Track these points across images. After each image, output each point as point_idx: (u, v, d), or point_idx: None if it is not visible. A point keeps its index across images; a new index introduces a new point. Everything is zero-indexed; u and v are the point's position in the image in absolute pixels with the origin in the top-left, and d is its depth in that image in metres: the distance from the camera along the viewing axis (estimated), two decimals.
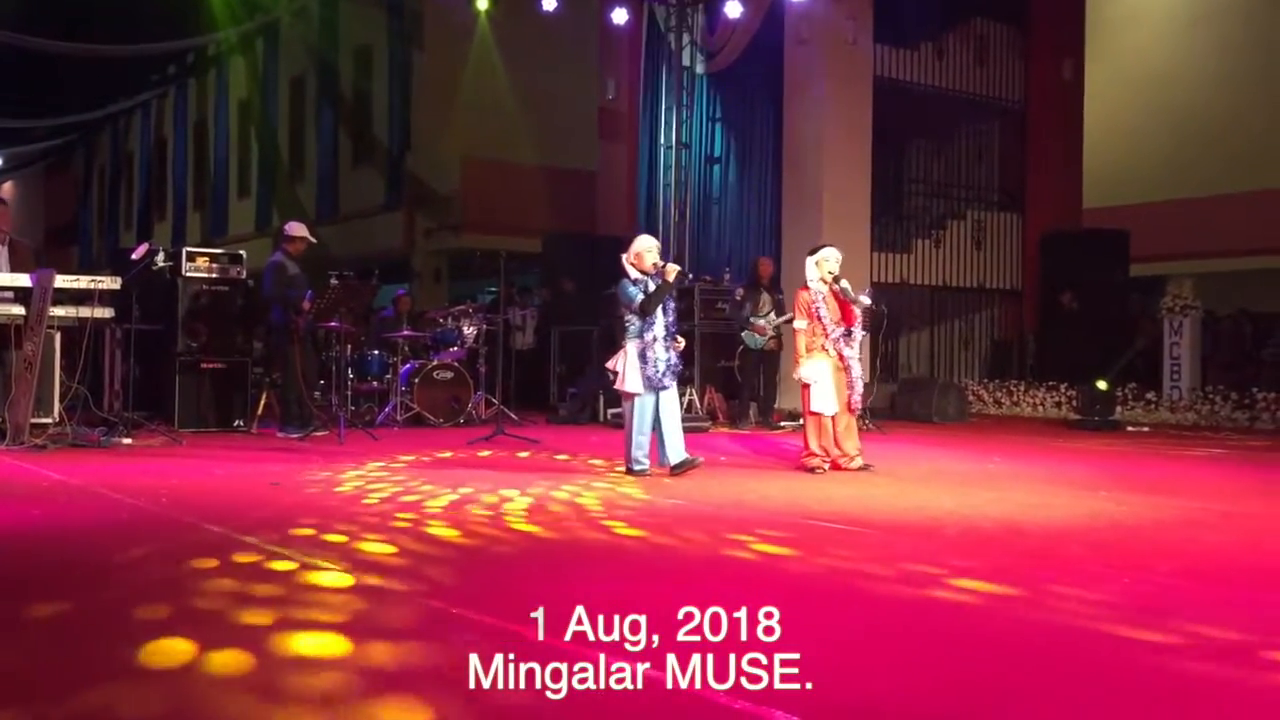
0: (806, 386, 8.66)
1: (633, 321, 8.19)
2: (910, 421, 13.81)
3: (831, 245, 9.08)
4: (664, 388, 8.16)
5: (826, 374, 8.61)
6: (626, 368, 8.17)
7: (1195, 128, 20.50)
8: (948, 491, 7.80)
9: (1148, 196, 19.91)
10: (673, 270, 8.22)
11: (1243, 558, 5.58)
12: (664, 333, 8.18)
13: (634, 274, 8.27)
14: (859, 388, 8.72)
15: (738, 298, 13.11)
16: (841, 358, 8.64)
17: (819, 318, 8.64)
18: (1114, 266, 17.23)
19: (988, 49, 18.57)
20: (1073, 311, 16.48)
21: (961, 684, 3.55)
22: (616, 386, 8.41)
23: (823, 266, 8.74)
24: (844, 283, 8.74)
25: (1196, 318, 15.35)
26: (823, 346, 8.64)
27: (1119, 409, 14.55)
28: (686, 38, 15.72)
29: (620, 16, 16.05)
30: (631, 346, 8.18)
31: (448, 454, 9.62)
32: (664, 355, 8.13)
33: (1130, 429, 13.93)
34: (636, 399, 8.17)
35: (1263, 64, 20.03)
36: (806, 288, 8.76)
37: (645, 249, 8.34)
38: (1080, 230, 18.21)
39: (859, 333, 8.76)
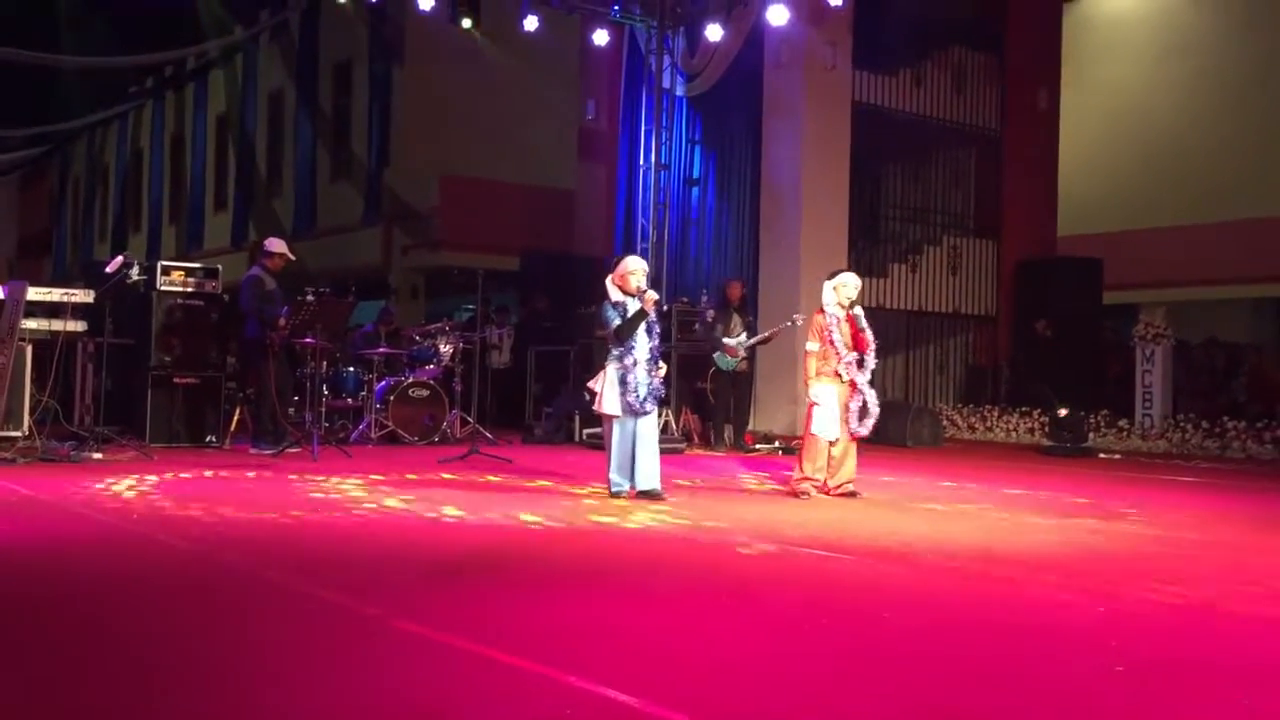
0: (811, 406, 8.62)
1: (614, 343, 8.09)
2: (884, 445, 13.84)
3: (849, 272, 9.01)
4: (644, 413, 8.05)
5: (833, 399, 8.57)
6: (605, 389, 8.06)
7: (1169, 158, 20.74)
8: (923, 517, 7.81)
9: (1122, 225, 20.10)
10: (650, 299, 8.05)
11: (1216, 585, 5.61)
12: (646, 357, 8.06)
13: (616, 295, 8.13)
14: (873, 413, 8.59)
15: (709, 319, 13.13)
16: (853, 384, 8.57)
17: (832, 342, 8.57)
18: (1088, 294, 17.37)
19: (965, 77, 18.74)
20: (1046, 338, 16.59)
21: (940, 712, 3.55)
22: (595, 408, 8.35)
23: (840, 292, 8.66)
24: (858, 309, 8.68)
25: (1168, 346, 15.49)
26: (834, 371, 8.56)
27: (1091, 436, 14.63)
28: (667, 60, 15.79)
29: (601, 38, 16.11)
30: (611, 368, 8.06)
31: (412, 476, 9.57)
32: (645, 380, 8.01)
33: (1102, 456, 14.01)
34: (616, 422, 8.06)
35: (1236, 96, 20.30)
36: (822, 311, 8.69)
37: (631, 270, 8.16)
38: (1055, 257, 18.36)
39: (871, 360, 8.66)
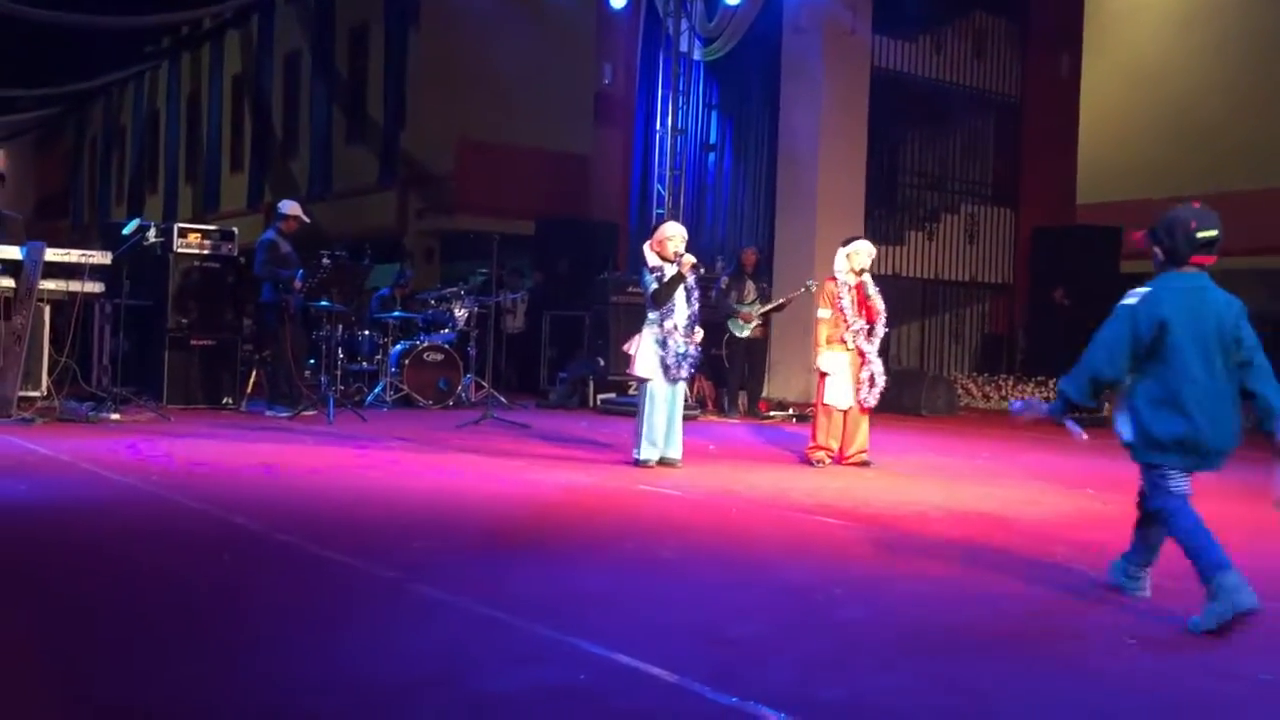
0: (823, 376, 8.60)
1: (652, 308, 8.05)
2: (899, 414, 13.83)
3: (864, 239, 8.91)
4: (680, 378, 8.05)
5: (844, 367, 8.52)
6: (641, 352, 8.02)
7: (1190, 126, 20.50)
8: (937, 486, 7.82)
9: (1141, 194, 19.88)
10: (687, 262, 8.00)
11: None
12: (685, 322, 8.03)
13: (653, 260, 8.09)
14: (880, 384, 8.56)
15: (723, 286, 13.11)
16: (861, 353, 8.52)
17: (842, 309, 8.53)
18: (1106, 263, 17.25)
19: (986, 42, 18.55)
20: (1064, 307, 16.50)
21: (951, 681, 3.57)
22: (629, 370, 8.33)
23: (854, 259, 8.57)
24: (866, 277, 8.60)
25: None
26: (842, 339, 8.53)
27: (1106, 405, 14.56)
28: (684, 24, 15.67)
29: (619, 1, 15.99)
30: (649, 332, 8.01)
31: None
32: (682, 346, 7.99)
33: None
34: (649, 385, 7.99)
35: (1258, 63, 20.02)
36: (834, 278, 8.64)
37: (669, 236, 8.12)
38: (1073, 226, 18.23)
39: (881, 329, 8.61)
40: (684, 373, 8.04)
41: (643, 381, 8.06)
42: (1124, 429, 4.46)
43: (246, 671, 3.41)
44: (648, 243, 8.27)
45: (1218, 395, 4.30)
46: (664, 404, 8.00)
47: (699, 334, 8.18)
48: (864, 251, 8.64)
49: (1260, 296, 20.37)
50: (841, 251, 8.71)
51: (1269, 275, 20.77)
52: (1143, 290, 4.41)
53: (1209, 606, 4.07)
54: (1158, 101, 21.13)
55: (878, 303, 8.60)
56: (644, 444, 8.02)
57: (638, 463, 8.00)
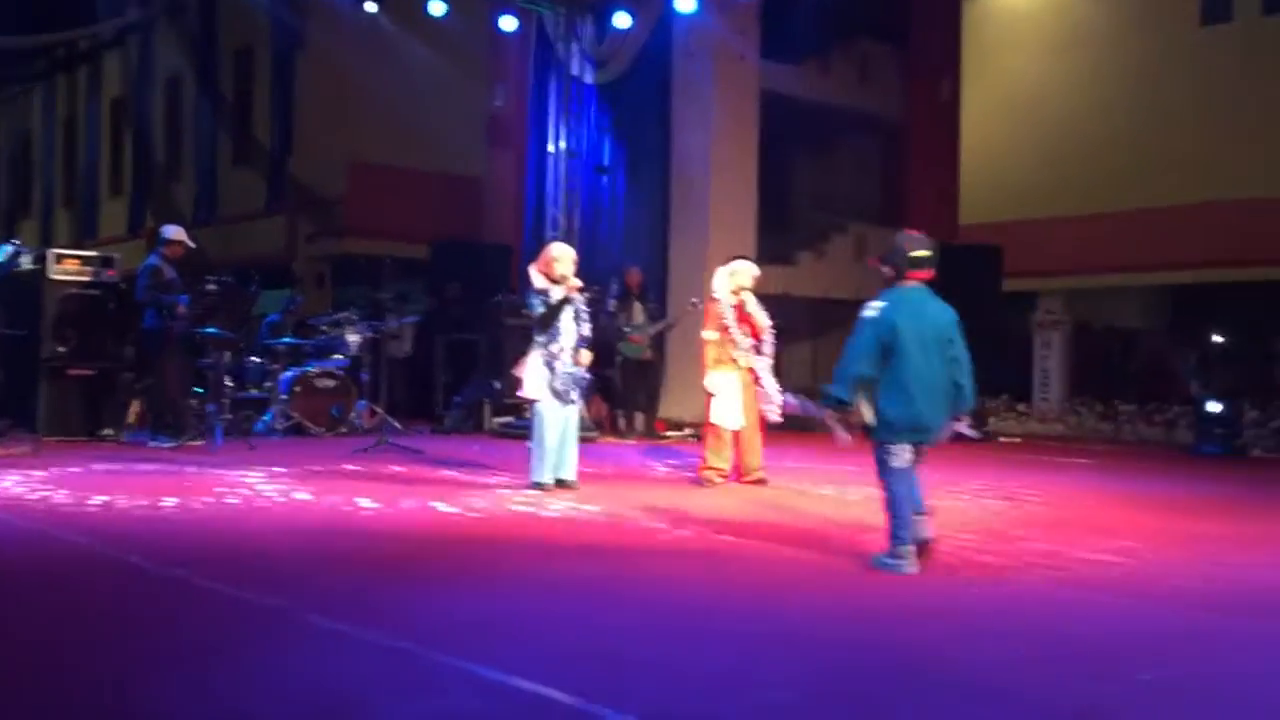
0: (710, 397, 8.64)
1: (538, 330, 8.01)
2: (792, 431, 14.00)
3: (746, 259, 8.98)
4: (569, 401, 8.02)
5: (733, 387, 8.57)
6: (529, 375, 7.99)
7: (1066, 149, 21.25)
8: (832, 501, 7.92)
9: (1020, 214, 20.57)
10: (573, 286, 7.98)
11: (1113, 564, 5.79)
12: (572, 344, 8.00)
13: (540, 283, 8.04)
14: (777, 399, 8.59)
15: (611, 309, 13.14)
16: (752, 372, 8.56)
17: (728, 329, 8.58)
18: (988, 281, 17.74)
19: (870, 67, 18.99)
20: None
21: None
22: (519, 392, 8.28)
23: (735, 278, 8.65)
24: (748, 295, 8.66)
25: (1066, 332, 15.91)
26: (732, 358, 8.58)
27: (991, 420, 14.99)
28: (576, 47, 15.72)
29: (509, 24, 15.98)
30: (536, 354, 7.99)
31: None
32: (570, 368, 7.97)
33: (1002, 439, 14.36)
34: (540, 408, 7.97)
35: (1132, 90, 20.88)
36: (717, 299, 8.70)
37: (555, 257, 8.08)
38: (956, 245, 18.71)
39: (768, 346, 8.67)
40: (573, 395, 8.02)
41: (533, 404, 8.02)
42: (867, 414, 5.36)
43: (119, 708, 3.28)
44: (534, 264, 8.22)
45: (935, 384, 5.33)
46: (556, 426, 7.98)
47: (586, 356, 8.14)
48: (744, 271, 8.71)
49: (1131, 312, 21.26)
50: (722, 271, 8.79)
51: (1142, 292, 21.63)
52: (879, 304, 5.45)
53: (883, 557, 5.35)
54: (1035, 126, 21.88)
55: (760, 319, 8.65)
56: (538, 466, 7.99)
57: (534, 485, 7.95)
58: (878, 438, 5.39)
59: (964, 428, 5.63)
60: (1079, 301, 19.97)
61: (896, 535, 5.33)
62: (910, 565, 5.27)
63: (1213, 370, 16.32)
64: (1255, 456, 12.27)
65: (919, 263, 5.48)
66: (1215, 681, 3.78)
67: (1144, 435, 14.44)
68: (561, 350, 7.94)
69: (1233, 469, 11.20)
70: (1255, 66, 19.74)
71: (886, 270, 5.58)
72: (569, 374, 7.95)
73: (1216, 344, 16.31)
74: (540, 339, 7.98)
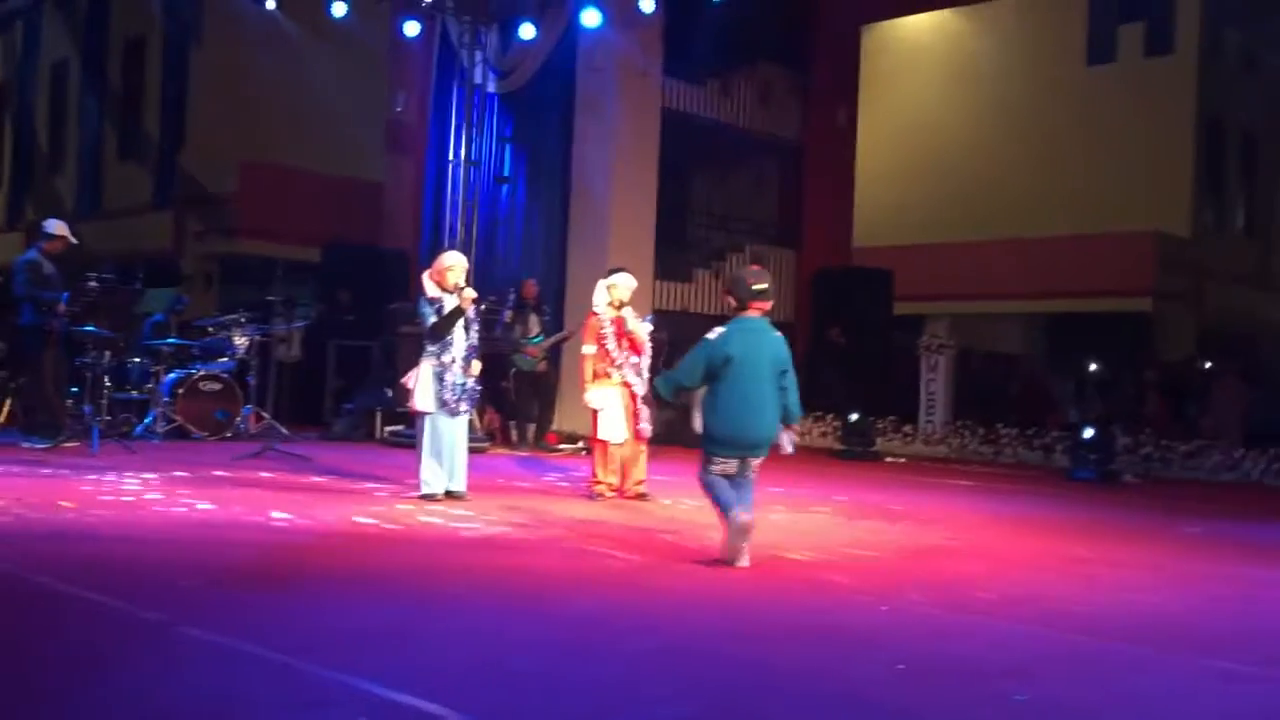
0: (595, 412, 8.63)
1: (429, 340, 7.92)
2: (680, 447, 14.12)
3: (625, 271, 8.93)
4: (460, 412, 7.95)
5: (615, 402, 8.56)
6: (419, 386, 7.87)
7: (955, 178, 21.94)
8: (714, 517, 7.98)
9: (911, 239, 21.12)
10: (468, 297, 7.92)
11: (989, 585, 5.96)
12: (462, 354, 7.92)
13: (432, 291, 7.94)
14: (645, 415, 8.59)
15: (507, 319, 13.09)
16: (628, 387, 8.51)
17: (605, 344, 8.56)
18: (879, 304, 18.14)
19: (770, 90, 19.25)
20: (840, 345, 17.23)
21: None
22: (408, 404, 8.17)
23: (612, 292, 8.62)
24: (627, 310, 8.71)
25: (951, 356, 16.33)
26: (608, 373, 8.55)
27: (879, 440, 15.31)
28: (479, 55, 15.63)
29: (412, 29, 15.81)
30: (427, 365, 7.88)
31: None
32: (460, 379, 7.89)
33: (889, 460, 14.67)
34: (429, 419, 7.89)
35: (1020, 124, 21.64)
36: (595, 313, 8.69)
37: (449, 266, 7.98)
38: (849, 268, 19.10)
39: (646, 361, 8.64)
40: (463, 406, 7.94)
41: (422, 415, 7.92)
42: (697, 423, 6.00)
43: None
44: (427, 272, 8.12)
45: (763, 406, 5.87)
46: (445, 436, 7.90)
47: (476, 367, 8.07)
48: (622, 284, 8.66)
49: (1013, 338, 21.91)
50: (602, 284, 8.73)
51: (1024, 319, 22.34)
52: (721, 330, 5.98)
53: (727, 558, 5.87)
54: (927, 154, 22.54)
55: (640, 334, 8.62)
56: (425, 478, 7.91)
57: (423, 497, 7.87)
58: (704, 449, 5.99)
59: (786, 442, 6.18)
60: (964, 326, 20.54)
61: (724, 513, 5.91)
62: (742, 560, 5.83)
63: (1088, 397, 16.94)
64: (1126, 482, 12.73)
65: (759, 294, 6.01)
66: (1088, 704, 3.92)
67: (1023, 458, 14.90)
68: (453, 361, 7.86)
69: (1105, 494, 11.62)
70: (1135, 106, 20.63)
71: (731, 300, 6.13)
72: (459, 385, 7.87)
73: (1092, 372, 16.92)
74: (431, 349, 7.88)
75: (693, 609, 5.13)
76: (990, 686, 4.05)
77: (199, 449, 10.99)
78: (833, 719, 3.61)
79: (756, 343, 5.92)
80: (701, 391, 6.02)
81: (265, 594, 4.92)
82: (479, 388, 8.30)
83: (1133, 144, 20.64)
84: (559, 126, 16.37)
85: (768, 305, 6.08)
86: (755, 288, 6.01)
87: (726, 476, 5.93)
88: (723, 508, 5.87)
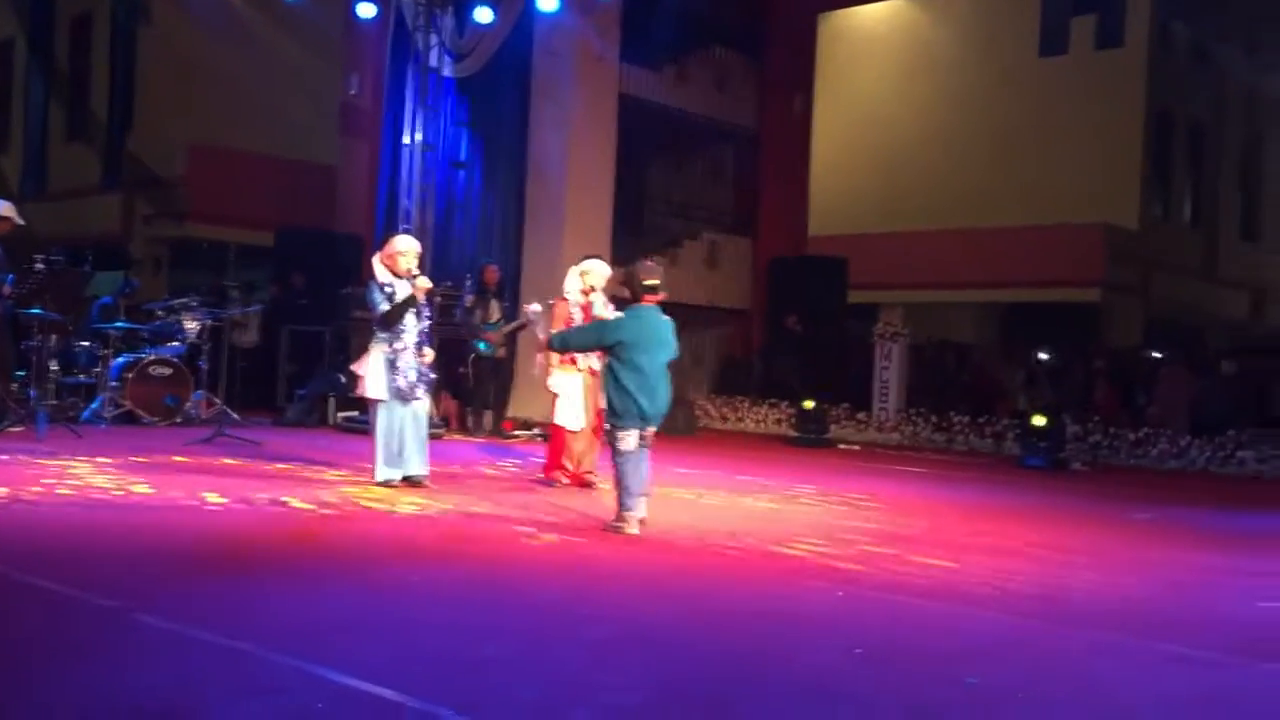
0: (555, 397, 8.60)
1: (380, 327, 7.79)
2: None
3: (599, 258, 8.85)
4: (415, 399, 7.83)
5: (576, 389, 8.52)
6: (370, 374, 7.76)
7: (909, 167, 22.08)
8: (674, 504, 8.02)
9: (865, 228, 21.25)
10: (422, 286, 7.81)
11: (942, 571, 6.03)
12: (415, 341, 7.81)
13: (384, 276, 7.81)
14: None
15: (467, 304, 13.00)
16: (593, 373, 8.40)
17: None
18: (834, 292, 18.25)
19: (727, 77, 19.29)
20: (796, 333, 17.33)
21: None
22: (359, 392, 8.07)
23: (586, 278, 8.54)
24: (596, 296, 8.53)
25: (905, 344, 16.46)
26: (573, 359, 8.48)
27: (832, 428, 15.42)
28: (435, 39, 15.49)
29: (367, 10, 15.64)
30: (377, 351, 7.77)
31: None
32: (414, 365, 7.77)
33: (842, 446, 14.78)
34: (382, 406, 7.76)
35: (973, 115, 21.82)
36: (565, 299, 8.61)
37: (401, 251, 7.86)
38: (805, 256, 19.20)
39: None
40: (418, 393, 7.83)
41: (375, 402, 7.80)
42: (603, 402, 6.86)
43: None
44: (377, 255, 7.99)
45: (656, 383, 6.66)
46: (397, 423, 7.77)
47: (429, 354, 7.97)
48: (596, 271, 8.61)
49: (965, 327, 22.12)
50: (574, 270, 8.70)
51: (975, 308, 22.56)
52: (619, 315, 6.99)
53: (613, 522, 6.59)
54: (881, 145, 22.66)
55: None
56: (381, 465, 7.80)
57: (380, 484, 7.77)
58: (609, 422, 6.75)
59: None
60: (918, 315, 20.71)
61: (624, 504, 6.58)
62: (633, 528, 6.51)
63: (1038, 386, 17.14)
64: (1075, 470, 12.92)
65: (650, 289, 6.82)
66: (1041, 688, 3.97)
67: (975, 446, 15.06)
68: (405, 348, 7.74)
69: (1055, 481, 11.78)
70: (1086, 98, 20.87)
71: (626, 293, 6.91)
72: (413, 370, 7.77)
73: (1042, 360, 17.11)
74: (382, 336, 7.76)
75: (651, 595, 5.14)
76: (944, 669, 4.09)
77: (148, 434, 10.83)
78: (792, 703, 3.63)
79: (650, 329, 6.75)
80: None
81: (217, 581, 4.87)
82: (433, 374, 8.20)
83: (1083, 136, 20.88)
84: (515, 111, 16.29)
85: (660, 298, 6.86)
86: (646, 283, 6.81)
87: (631, 450, 6.58)
88: (625, 493, 6.57)
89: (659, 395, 6.69)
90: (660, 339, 6.79)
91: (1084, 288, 20.41)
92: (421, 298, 7.86)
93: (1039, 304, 20.76)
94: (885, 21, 22.79)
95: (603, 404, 8.40)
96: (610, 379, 6.69)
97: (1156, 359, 18.36)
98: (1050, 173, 20.99)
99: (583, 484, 8.59)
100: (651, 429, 6.72)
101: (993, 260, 20.36)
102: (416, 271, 7.87)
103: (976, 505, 9.24)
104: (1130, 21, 17.89)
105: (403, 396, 7.76)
